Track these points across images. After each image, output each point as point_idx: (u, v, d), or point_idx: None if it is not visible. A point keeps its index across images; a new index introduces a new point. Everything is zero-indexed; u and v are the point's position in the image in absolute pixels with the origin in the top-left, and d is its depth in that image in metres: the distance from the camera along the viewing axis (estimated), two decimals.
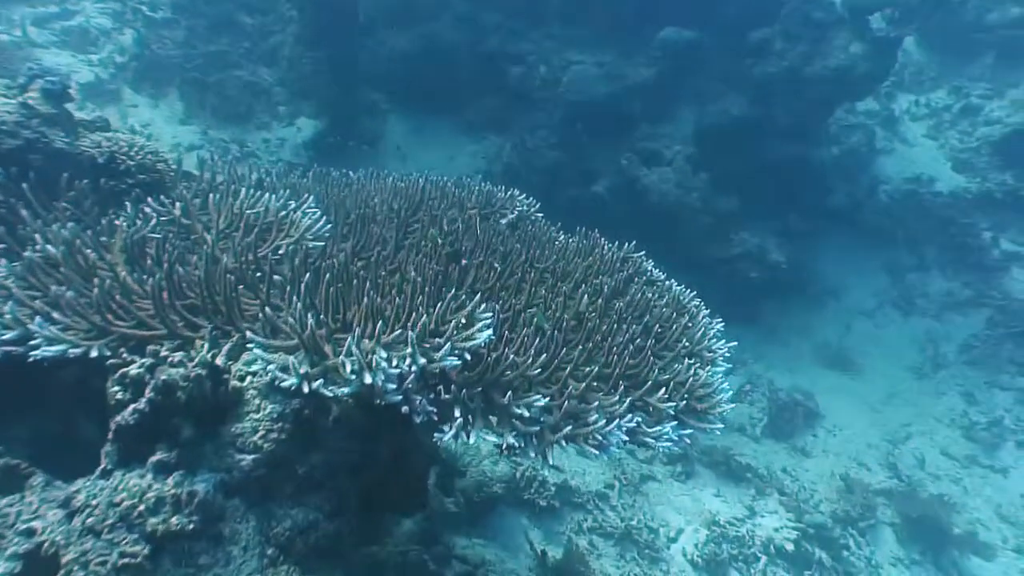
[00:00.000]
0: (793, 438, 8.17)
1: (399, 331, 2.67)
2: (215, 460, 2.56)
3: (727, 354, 3.71)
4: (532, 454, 2.60)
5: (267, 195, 4.11)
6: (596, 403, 2.83)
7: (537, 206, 5.20)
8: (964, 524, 7.52)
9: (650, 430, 2.88)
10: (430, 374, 2.65)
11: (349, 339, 2.50)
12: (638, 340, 3.48)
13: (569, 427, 2.66)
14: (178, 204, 3.96)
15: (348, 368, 2.45)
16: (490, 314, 2.79)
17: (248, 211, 3.94)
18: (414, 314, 2.85)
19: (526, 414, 2.59)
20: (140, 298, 2.87)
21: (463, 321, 2.72)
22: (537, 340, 2.94)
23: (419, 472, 3.24)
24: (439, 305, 2.74)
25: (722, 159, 9.46)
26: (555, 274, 4.04)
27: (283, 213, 4.00)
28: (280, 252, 3.78)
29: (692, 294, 4.41)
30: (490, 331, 2.69)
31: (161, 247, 3.18)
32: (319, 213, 4.13)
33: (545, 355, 2.91)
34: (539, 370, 2.79)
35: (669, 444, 2.89)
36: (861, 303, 10.09)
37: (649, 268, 4.64)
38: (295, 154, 8.93)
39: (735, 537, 6.43)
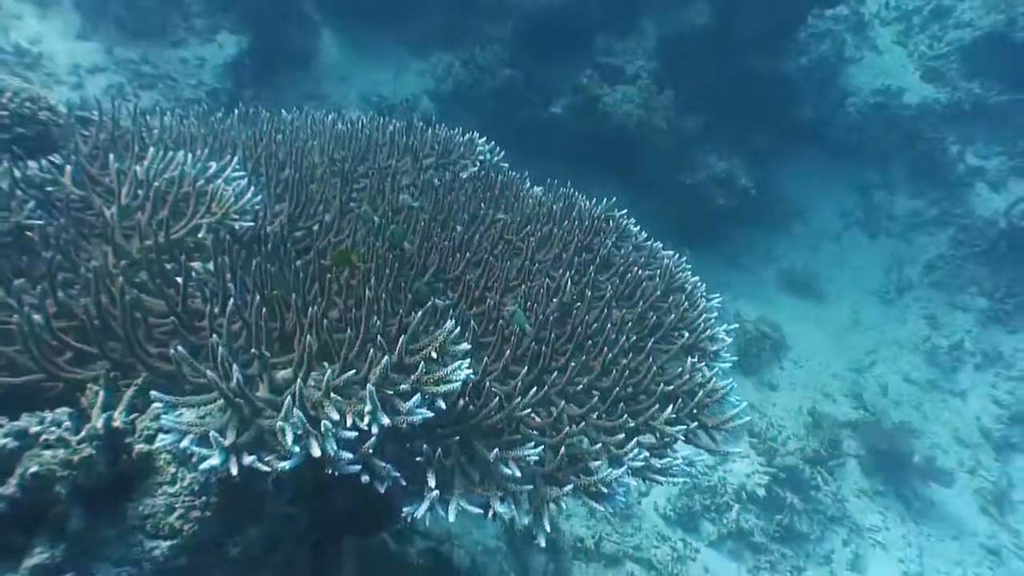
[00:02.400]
0: (760, 372, 7.96)
1: (352, 372, 2.11)
2: (119, 550, 2.00)
3: (729, 341, 3.25)
4: (525, 520, 2.11)
5: (181, 155, 3.39)
6: (599, 444, 2.34)
7: (501, 154, 4.55)
8: (924, 450, 7.51)
9: (660, 463, 2.42)
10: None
11: (287, 398, 1.93)
12: (634, 337, 2.99)
13: (570, 485, 2.18)
14: (68, 169, 3.23)
15: (289, 437, 1.89)
16: (467, 345, 2.23)
17: (157, 179, 3.23)
18: (370, 340, 2.28)
19: (517, 474, 2.09)
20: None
21: (433, 354, 2.17)
22: (525, 371, 2.41)
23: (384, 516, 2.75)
24: (401, 340, 2.17)
25: (687, 75, 8.80)
26: (531, 248, 3.48)
27: (201, 181, 3.30)
28: (199, 235, 3.12)
29: (683, 261, 3.90)
30: (469, 371, 2.14)
31: (45, 240, 2.50)
32: (246, 180, 3.43)
33: (535, 387, 2.39)
34: (528, 409, 2.27)
35: (684, 478, 2.44)
36: (827, 225, 9.78)
37: (634, 231, 4.10)
38: (218, 77, 7.92)
39: (707, 487, 6.23)
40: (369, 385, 2.00)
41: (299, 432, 1.91)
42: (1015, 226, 8.97)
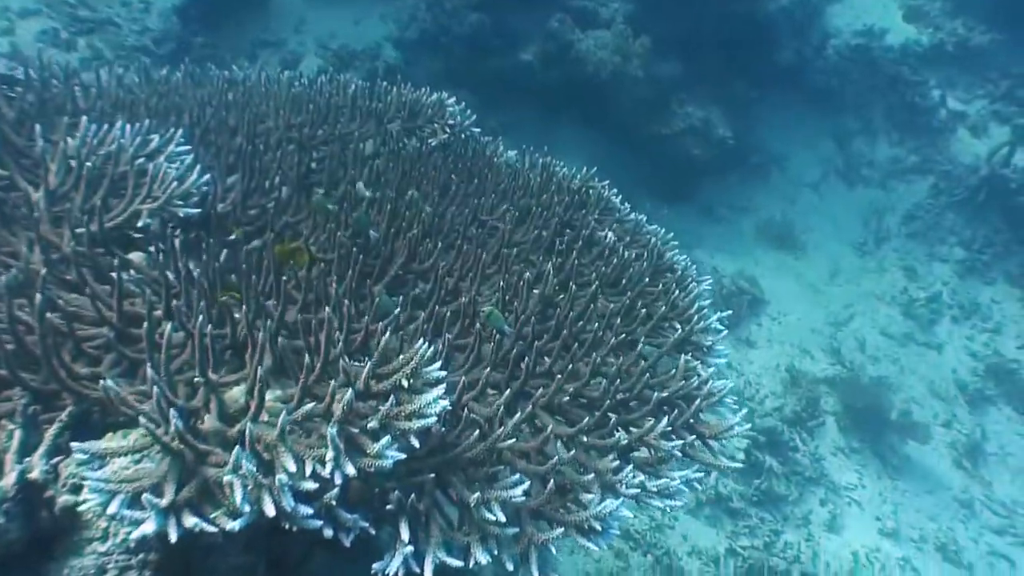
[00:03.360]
0: (738, 328, 7.82)
1: (311, 405, 1.83)
2: None
3: (724, 332, 3.02)
4: (510, 567, 1.88)
5: (119, 126, 3.01)
6: (591, 472, 2.11)
7: (472, 118, 4.20)
8: (901, 405, 7.49)
9: (656, 485, 2.20)
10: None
11: (235, 450, 1.65)
12: (623, 334, 2.74)
13: (560, 528, 1.94)
14: None
15: (238, 493, 1.62)
16: (443, 372, 1.96)
17: (92, 156, 2.86)
18: (331, 363, 2.00)
19: (502, 518, 1.85)
20: None
21: (404, 382, 1.89)
22: (508, 393, 2.15)
23: None
24: (367, 367, 1.89)
25: (665, 19, 8.38)
26: (508, 229, 3.18)
27: (141, 159, 2.93)
28: (139, 223, 2.78)
29: (670, 238, 3.64)
30: (445, 402, 1.87)
31: None
32: (192, 156, 3.07)
33: (518, 408, 2.14)
34: (513, 439, 2.02)
35: (681, 502, 2.22)
36: (806, 174, 9.56)
37: (616, 203, 3.81)
38: (165, 21, 7.32)
39: None
40: (331, 428, 1.72)
41: (249, 487, 1.65)
42: (996, 173, 8.83)
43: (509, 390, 2.18)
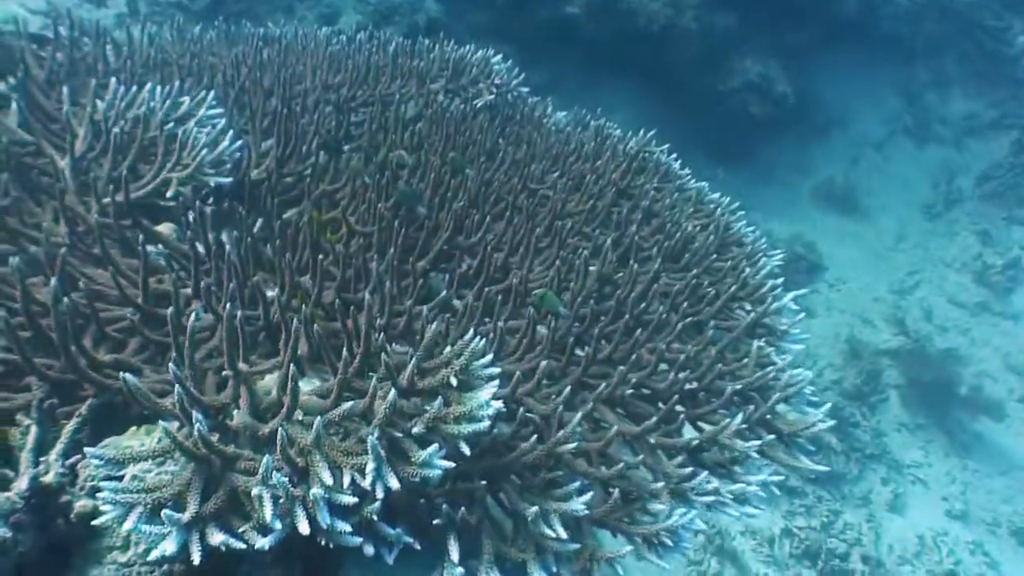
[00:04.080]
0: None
1: (349, 405, 1.64)
2: None
3: (802, 315, 2.74)
4: None
5: (148, 88, 2.83)
6: (659, 477, 1.89)
7: (520, 77, 3.92)
8: (971, 379, 7.09)
9: (731, 490, 1.97)
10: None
11: (265, 460, 1.46)
12: (689, 317, 2.48)
13: (628, 546, 1.73)
14: (13, 106, 2.70)
15: (268, 509, 1.43)
16: (496, 369, 1.74)
17: (120, 120, 2.68)
18: (372, 356, 1.79)
19: (563, 534, 1.64)
20: None
21: (453, 379, 1.68)
22: (567, 387, 1.92)
23: None
24: (412, 361, 1.68)
25: None
26: (560, 198, 2.93)
27: (170, 124, 2.75)
28: (168, 193, 2.60)
29: (736, 207, 3.35)
30: (500, 403, 1.65)
31: None
32: (224, 121, 2.88)
33: (578, 403, 1.92)
34: (576, 443, 1.80)
35: (758, 510, 1.99)
36: (870, 133, 9.02)
37: (676, 168, 3.52)
38: None
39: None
40: (371, 434, 1.52)
41: (280, 500, 1.46)
42: None
43: (568, 386, 1.95)
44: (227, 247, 2.40)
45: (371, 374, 1.83)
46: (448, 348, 1.80)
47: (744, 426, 2.11)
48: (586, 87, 7.55)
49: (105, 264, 2.16)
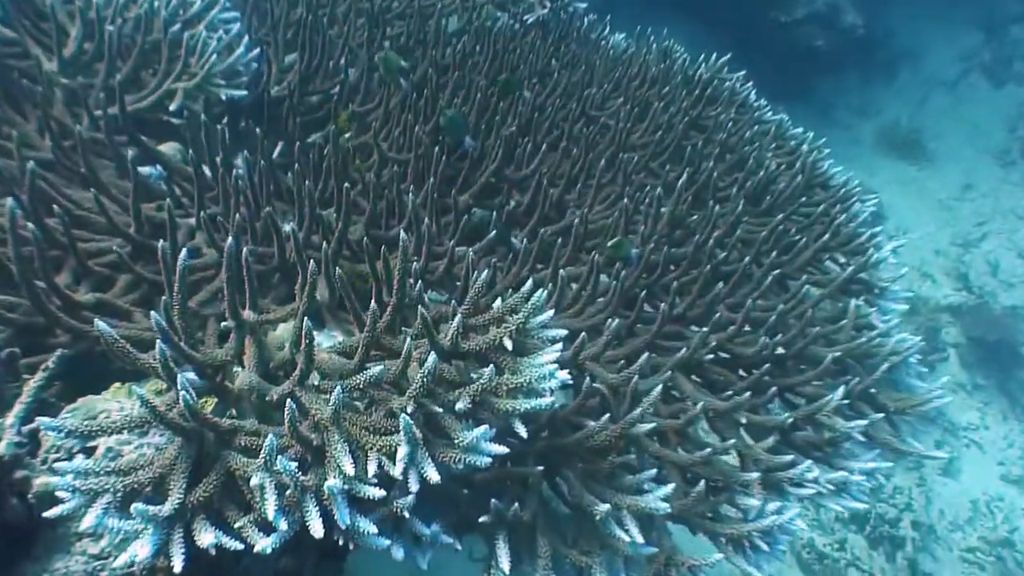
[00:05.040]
0: None
1: (377, 369, 1.30)
2: None
3: (905, 271, 2.35)
4: None
5: None
6: (752, 467, 1.55)
7: None
8: None
9: (831, 479, 1.63)
10: None
11: (269, 440, 1.14)
12: (775, 268, 2.11)
13: (717, 553, 1.40)
14: None
15: (271, 504, 1.12)
16: (562, 331, 1.39)
17: (116, 19, 2.32)
18: (406, 306, 1.46)
19: (639, 538, 1.32)
20: None
21: (507, 341, 1.33)
22: (645, 356, 1.57)
23: None
24: (454, 321, 1.34)
25: None
26: (623, 127, 2.53)
27: (176, 27, 2.38)
28: (172, 106, 2.26)
29: (821, 143, 2.93)
30: (566, 373, 1.31)
31: None
32: (239, 26, 2.51)
33: (655, 375, 1.57)
34: (654, 422, 1.46)
35: (863, 505, 1.65)
36: (942, 71, 8.32)
37: (752, 99, 3.09)
38: None
39: None
40: (404, 413, 1.20)
41: (288, 493, 1.15)
42: None
43: (644, 352, 1.60)
44: (240, 171, 2.07)
45: (404, 329, 1.51)
46: (497, 301, 1.46)
47: (845, 401, 1.75)
48: (637, 16, 6.98)
49: (94, 184, 1.83)
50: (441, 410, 1.26)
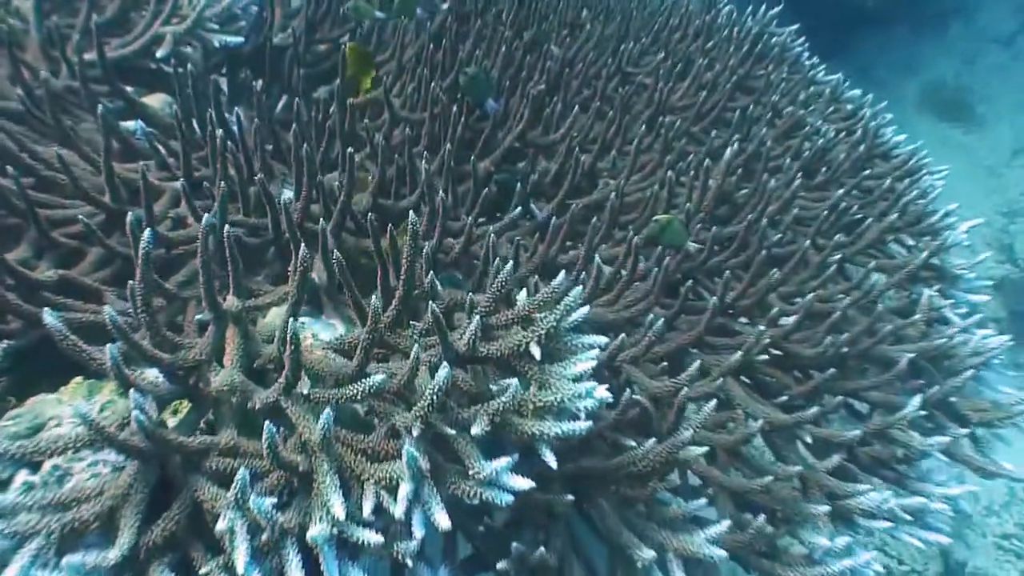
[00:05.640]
0: None
1: (379, 378, 1.08)
2: None
3: (984, 255, 2.10)
4: None
5: None
6: (819, 502, 1.32)
7: None
8: None
9: (906, 506, 1.40)
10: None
11: (240, 476, 0.93)
12: (836, 252, 1.86)
13: None
14: None
15: (240, 551, 0.91)
16: (601, 337, 1.15)
17: None
18: (416, 300, 1.23)
19: None
20: None
21: (532, 346, 1.10)
22: (696, 365, 1.33)
23: None
24: (472, 323, 1.10)
25: None
26: (663, 87, 2.25)
27: None
28: (159, 53, 2.02)
29: (881, 107, 2.64)
30: (605, 391, 1.08)
31: None
32: None
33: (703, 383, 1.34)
34: (705, 449, 1.23)
35: (942, 538, 1.43)
36: (996, 26, 7.80)
37: (804, 57, 2.79)
38: None
39: None
40: (408, 442, 0.98)
41: (262, 539, 0.94)
42: None
43: (696, 361, 1.36)
44: (235, 128, 1.84)
45: (412, 325, 1.28)
46: (522, 294, 1.23)
47: (922, 411, 1.51)
48: None
49: (63, 141, 1.61)
50: (454, 432, 1.04)
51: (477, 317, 1.09)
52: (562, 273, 1.19)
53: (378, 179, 1.76)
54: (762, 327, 1.48)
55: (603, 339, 1.11)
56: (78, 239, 1.48)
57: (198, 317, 1.23)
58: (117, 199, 1.54)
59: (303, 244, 1.15)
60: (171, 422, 1.19)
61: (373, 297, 1.10)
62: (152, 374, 1.10)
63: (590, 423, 1.03)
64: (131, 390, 0.93)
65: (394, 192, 1.81)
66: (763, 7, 2.90)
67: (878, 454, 1.50)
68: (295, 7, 2.45)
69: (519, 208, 1.63)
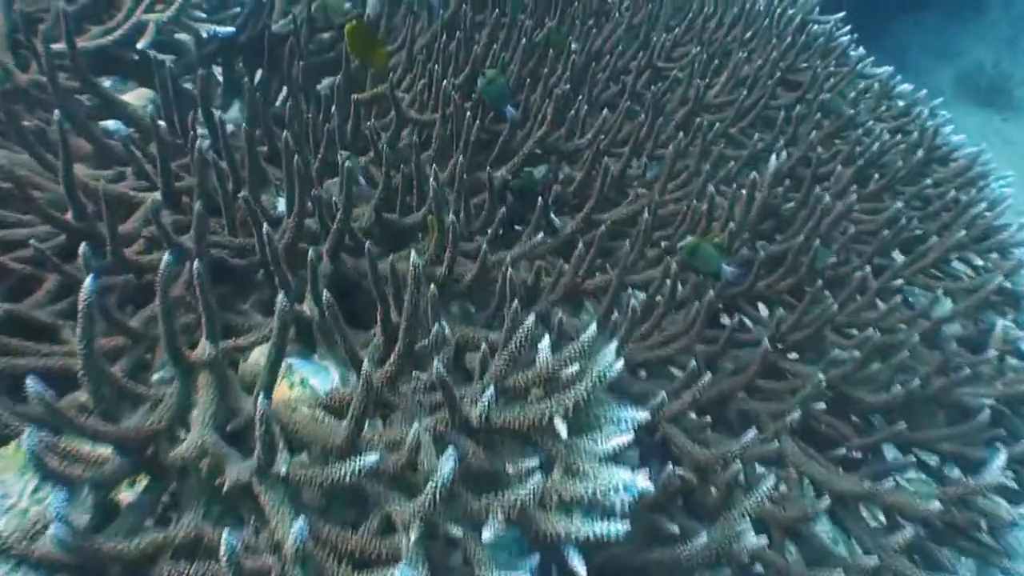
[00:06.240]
0: None
1: (372, 458, 0.88)
2: None
3: None
4: None
5: None
6: None
7: None
8: None
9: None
10: None
11: None
12: (898, 277, 1.64)
13: None
14: None
15: None
16: (643, 413, 0.95)
17: None
18: (417, 349, 1.04)
19: None
20: None
21: (557, 422, 0.90)
22: (751, 434, 1.12)
23: None
24: (488, 390, 0.91)
25: None
26: (698, 83, 2.03)
27: None
28: (140, 44, 1.82)
29: (937, 103, 2.41)
30: (647, 481, 0.88)
31: None
32: None
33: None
34: (765, 541, 1.04)
35: None
36: None
37: (850, 48, 2.55)
38: None
39: None
40: (403, 565, 0.79)
41: None
42: None
43: (751, 430, 1.14)
44: (220, 130, 1.64)
45: (416, 377, 1.09)
46: (544, 342, 1.02)
47: (1008, 470, 1.31)
48: None
49: (22, 143, 1.42)
50: (461, 533, 0.84)
51: (491, 389, 0.89)
52: (593, 326, 0.99)
53: (382, 187, 1.57)
54: (820, 375, 1.27)
55: (644, 415, 0.90)
56: (32, 264, 1.29)
57: (155, 377, 1.04)
58: (81, 216, 1.35)
59: (281, 294, 0.94)
60: (126, 497, 1.00)
61: (365, 368, 0.90)
62: (99, 450, 0.92)
63: (627, 525, 0.83)
64: (50, 503, 0.74)
65: (400, 204, 1.61)
66: None
67: (956, 520, 1.29)
68: None
69: (542, 236, 1.42)
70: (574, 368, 0.95)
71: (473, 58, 1.80)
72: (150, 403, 1.03)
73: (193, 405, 1.05)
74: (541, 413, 0.92)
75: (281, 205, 1.63)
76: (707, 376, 1.11)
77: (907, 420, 1.38)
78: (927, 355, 1.49)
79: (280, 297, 0.94)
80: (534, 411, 0.92)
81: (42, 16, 1.77)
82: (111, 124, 1.74)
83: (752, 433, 1.06)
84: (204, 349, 1.07)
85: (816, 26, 2.56)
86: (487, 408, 0.89)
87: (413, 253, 0.99)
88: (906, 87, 2.46)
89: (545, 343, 1.01)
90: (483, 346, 1.04)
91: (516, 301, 1.07)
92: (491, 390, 0.89)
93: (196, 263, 1.03)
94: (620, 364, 0.96)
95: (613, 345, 0.95)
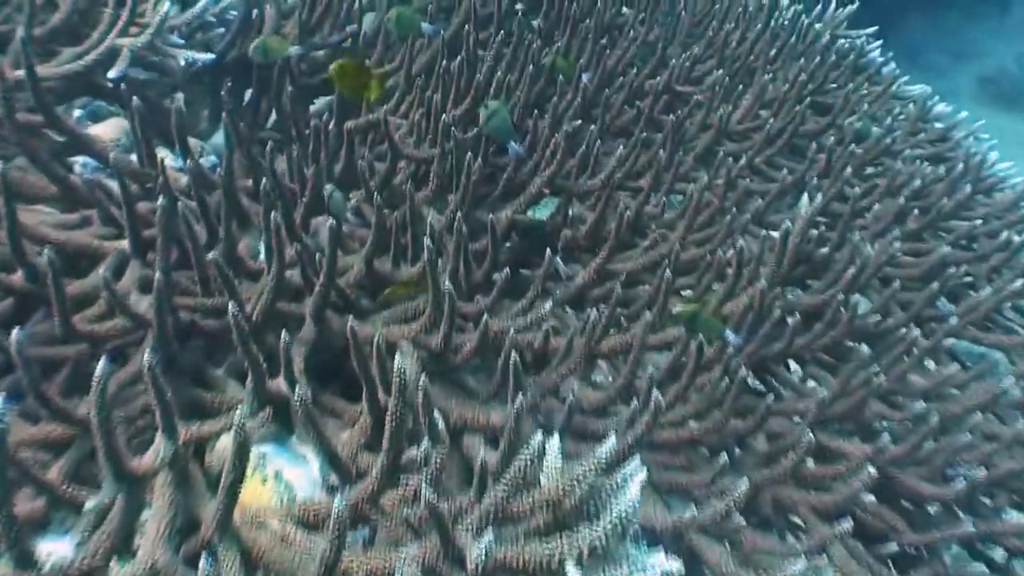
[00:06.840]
0: None
1: None
2: None
3: None
4: None
5: None
6: None
7: None
8: None
9: None
10: None
11: None
12: (948, 335, 1.47)
13: None
14: None
15: None
16: (676, 565, 0.79)
17: None
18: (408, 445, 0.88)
19: None
20: None
21: (569, 567, 0.75)
22: (801, 566, 0.96)
23: None
24: (485, 522, 0.75)
25: None
26: (722, 111, 1.86)
27: None
28: (111, 73, 1.65)
29: (978, 127, 2.24)
30: None
31: None
32: None
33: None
34: None
35: None
36: None
37: (882, 65, 2.38)
38: None
39: None
40: None
41: None
42: None
43: (800, 563, 0.98)
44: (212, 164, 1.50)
45: (404, 479, 0.94)
46: (553, 444, 0.86)
47: None
48: None
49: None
50: None
51: (489, 535, 0.73)
52: (612, 439, 0.83)
53: (373, 238, 1.40)
54: (871, 468, 1.11)
55: (677, 565, 0.74)
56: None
57: (88, 506, 0.88)
58: (32, 276, 1.20)
59: (240, 410, 0.79)
60: None
61: (341, 503, 0.75)
62: None
63: None
64: None
65: (393, 251, 1.45)
66: (832, 5, 2.48)
67: None
68: (289, 5, 2.09)
69: (548, 302, 1.26)
70: (587, 487, 0.79)
71: (475, 85, 1.64)
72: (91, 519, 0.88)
73: (145, 508, 0.90)
74: (550, 554, 0.76)
75: (263, 253, 1.48)
76: (743, 487, 0.95)
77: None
78: (986, 424, 1.33)
79: (238, 413, 0.78)
80: (541, 551, 0.76)
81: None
82: (78, 161, 1.59)
83: (800, 568, 0.90)
84: (159, 451, 0.92)
85: (845, 42, 2.39)
86: (484, 557, 0.73)
87: (398, 358, 0.83)
88: (942, 108, 2.28)
89: (554, 452, 0.86)
90: (481, 454, 0.89)
91: (520, 398, 0.92)
92: (489, 537, 0.73)
93: (148, 355, 0.87)
94: (643, 476, 0.80)
95: (635, 463, 0.79)
